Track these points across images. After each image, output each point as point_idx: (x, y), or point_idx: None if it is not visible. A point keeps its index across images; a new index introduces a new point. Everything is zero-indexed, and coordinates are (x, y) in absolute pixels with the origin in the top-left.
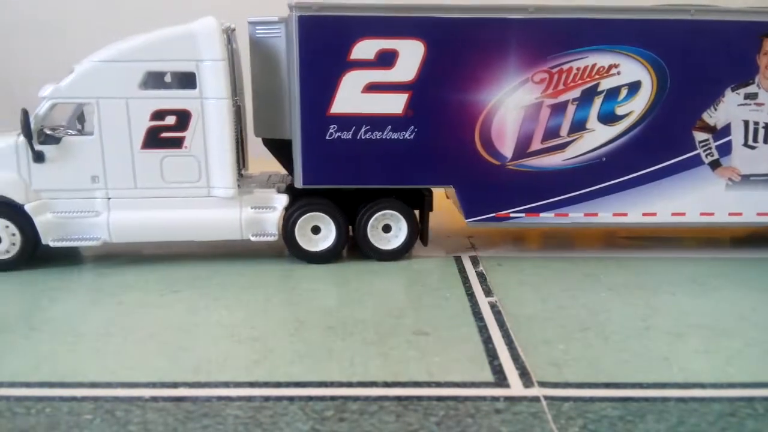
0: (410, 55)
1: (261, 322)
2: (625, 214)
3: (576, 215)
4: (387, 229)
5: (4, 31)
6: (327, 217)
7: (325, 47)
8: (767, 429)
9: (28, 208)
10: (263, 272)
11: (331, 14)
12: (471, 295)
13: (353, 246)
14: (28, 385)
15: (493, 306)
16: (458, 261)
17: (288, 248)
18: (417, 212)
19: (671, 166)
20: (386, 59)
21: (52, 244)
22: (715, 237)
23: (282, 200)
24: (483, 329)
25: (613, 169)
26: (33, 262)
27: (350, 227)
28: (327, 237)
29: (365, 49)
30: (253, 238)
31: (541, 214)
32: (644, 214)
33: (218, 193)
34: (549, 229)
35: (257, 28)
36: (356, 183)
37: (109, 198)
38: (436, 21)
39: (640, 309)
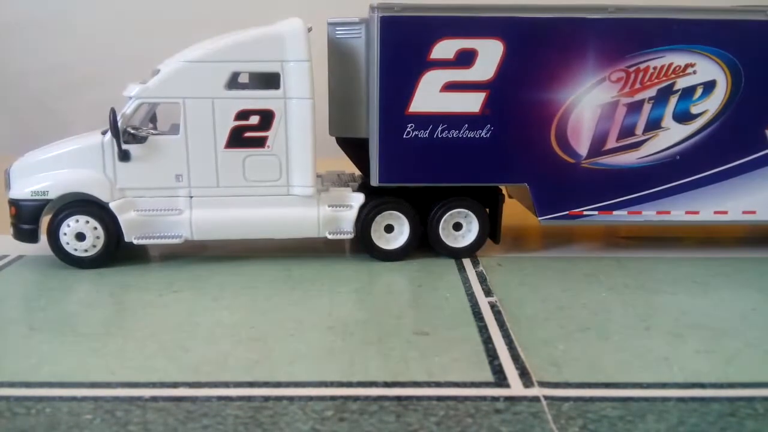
0: (489, 54)
1: (261, 322)
2: (697, 212)
3: (649, 213)
4: (457, 227)
5: (3, 29)
6: (401, 216)
7: (405, 47)
8: (767, 429)
9: (112, 206)
10: (263, 272)
11: (412, 15)
12: (471, 295)
13: (426, 244)
14: (28, 385)
15: (493, 306)
16: (458, 261)
17: (362, 246)
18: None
19: (743, 165)
20: (465, 59)
21: (135, 241)
22: (714, 237)
23: (358, 198)
24: (483, 329)
25: (686, 168)
26: (114, 261)
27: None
28: (400, 235)
29: (445, 48)
30: (330, 236)
31: (614, 212)
32: (715, 212)
33: (298, 191)
34: (549, 229)
35: (337, 29)
36: (432, 181)
37: (192, 196)
38: (516, 21)
39: (640, 309)
